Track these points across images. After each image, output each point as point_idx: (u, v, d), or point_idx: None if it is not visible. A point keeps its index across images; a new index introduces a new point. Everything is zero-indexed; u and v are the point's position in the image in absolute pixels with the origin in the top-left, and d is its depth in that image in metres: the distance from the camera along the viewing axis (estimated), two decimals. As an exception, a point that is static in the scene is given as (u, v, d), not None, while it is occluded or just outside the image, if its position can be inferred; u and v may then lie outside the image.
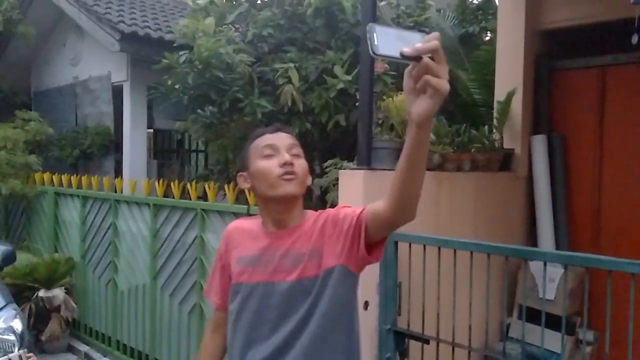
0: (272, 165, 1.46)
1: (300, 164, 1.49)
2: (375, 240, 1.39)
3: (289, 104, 4.34)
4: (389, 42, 1.01)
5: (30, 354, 2.28)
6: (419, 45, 1.00)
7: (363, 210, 1.40)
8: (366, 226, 1.37)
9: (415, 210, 1.27)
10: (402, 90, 3.11)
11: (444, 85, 1.01)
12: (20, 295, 4.70)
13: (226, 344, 1.64)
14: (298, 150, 1.52)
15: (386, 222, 1.32)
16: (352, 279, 1.46)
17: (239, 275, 1.52)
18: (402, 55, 1.00)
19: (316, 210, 1.58)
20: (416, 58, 1.00)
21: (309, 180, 1.54)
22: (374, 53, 1.00)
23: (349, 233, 1.40)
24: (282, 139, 1.51)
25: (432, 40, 1.00)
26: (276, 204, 1.49)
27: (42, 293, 4.84)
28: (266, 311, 1.46)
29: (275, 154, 1.48)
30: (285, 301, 1.44)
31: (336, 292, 1.43)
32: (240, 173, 1.58)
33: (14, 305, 3.70)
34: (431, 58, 1.00)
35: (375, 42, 1.00)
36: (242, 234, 1.58)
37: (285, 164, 1.45)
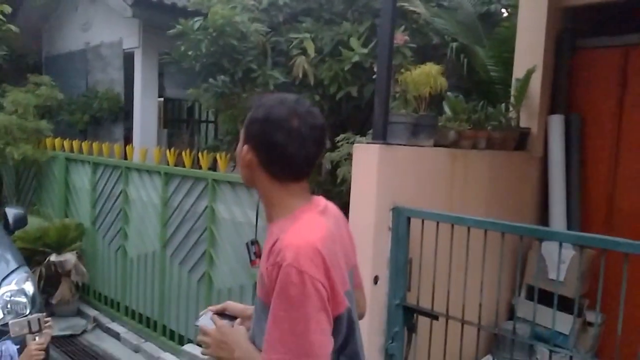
0: None
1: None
2: None
3: (300, 75, 4.28)
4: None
5: (48, 319, 2.30)
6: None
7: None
8: None
9: None
10: (422, 63, 3.06)
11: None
12: (31, 259, 4.75)
13: None
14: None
15: None
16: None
17: None
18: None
19: (325, 191, 1.50)
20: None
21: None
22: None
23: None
24: None
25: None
26: None
27: (53, 257, 4.88)
28: None
29: None
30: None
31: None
32: None
33: (26, 268, 3.74)
34: None
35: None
36: None
37: None
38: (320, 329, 1.18)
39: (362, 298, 1.59)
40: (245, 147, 1.33)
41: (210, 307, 1.49)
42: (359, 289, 1.54)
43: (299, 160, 1.29)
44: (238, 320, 1.41)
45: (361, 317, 1.57)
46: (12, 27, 6.37)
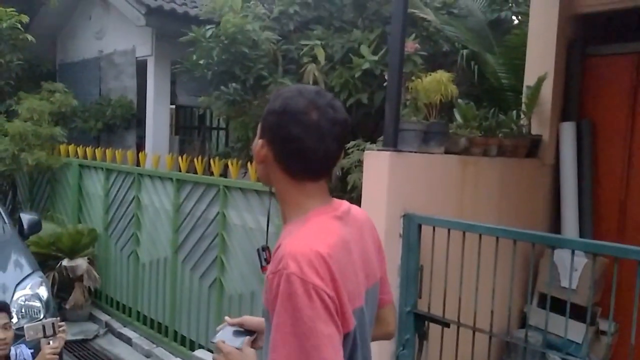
0: None
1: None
2: None
3: (311, 83, 4.31)
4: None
5: (62, 323, 2.33)
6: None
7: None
8: None
9: None
10: (432, 70, 3.07)
11: None
12: (44, 264, 4.80)
13: None
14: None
15: None
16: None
17: None
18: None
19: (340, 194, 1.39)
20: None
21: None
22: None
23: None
24: None
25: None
26: None
27: (65, 262, 4.94)
28: None
29: None
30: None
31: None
32: None
33: (40, 273, 3.79)
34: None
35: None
36: None
37: None
38: (332, 346, 1.05)
39: (391, 315, 1.43)
40: (261, 141, 1.22)
41: (227, 320, 1.40)
42: (387, 306, 1.39)
43: (317, 156, 1.17)
44: (247, 340, 1.34)
45: (390, 336, 1.44)
46: (28, 37, 6.48)
